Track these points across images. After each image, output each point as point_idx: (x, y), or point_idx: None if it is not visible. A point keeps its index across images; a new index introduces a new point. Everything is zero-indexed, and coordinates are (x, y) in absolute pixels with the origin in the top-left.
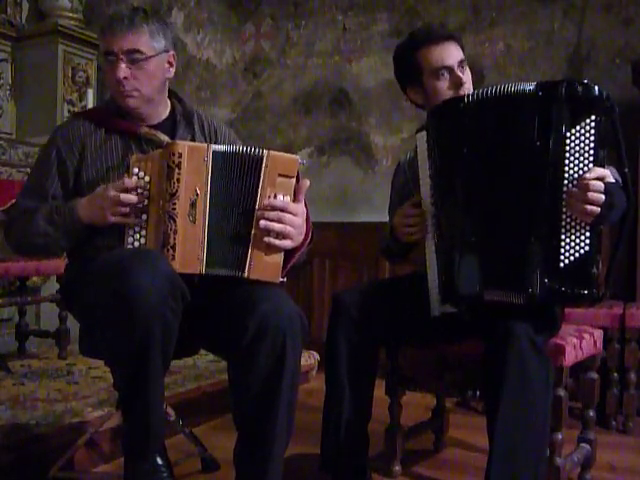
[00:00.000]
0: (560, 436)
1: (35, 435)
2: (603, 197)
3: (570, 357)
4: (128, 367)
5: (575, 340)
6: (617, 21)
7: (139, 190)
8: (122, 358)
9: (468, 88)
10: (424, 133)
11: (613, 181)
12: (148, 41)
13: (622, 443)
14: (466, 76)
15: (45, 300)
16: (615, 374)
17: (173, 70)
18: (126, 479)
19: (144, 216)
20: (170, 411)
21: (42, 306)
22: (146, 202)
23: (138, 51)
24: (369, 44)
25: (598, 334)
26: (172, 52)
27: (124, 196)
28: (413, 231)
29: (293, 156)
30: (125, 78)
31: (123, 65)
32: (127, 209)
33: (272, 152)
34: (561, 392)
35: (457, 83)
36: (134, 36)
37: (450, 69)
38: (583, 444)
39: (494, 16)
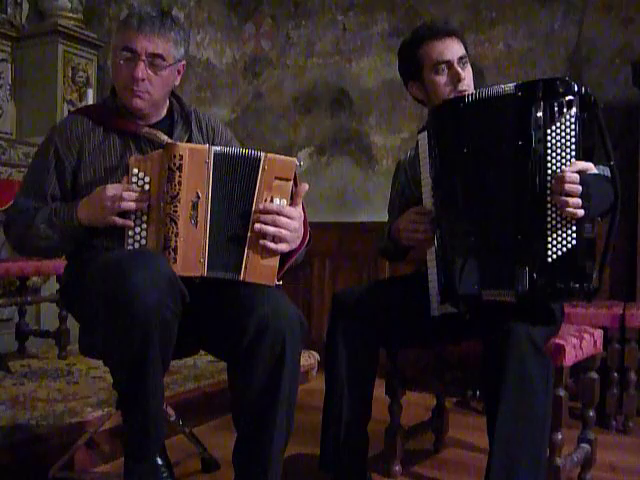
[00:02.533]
0: (560, 436)
1: (35, 435)
2: (580, 187)
3: (570, 357)
4: (127, 368)
5: (575, 340)
6: (617, 21)
7: (138, 188)
8: (121, 359)
9: (467, 85)
10: (425, 133)
11: (595, 172)
12: (171, 48)
13: (622, 443)
14: (466, 72)
15: (45, 300)
16: (615, 374)
17: (179, 78)
18: (126, 479)
19: (144, 217)
20: (170, 411)
21: (42, 306)
22: (145, 202)
23: (161, 57)
24: (369, 44)
25: (598, 334)
26: (184, 62)
27: (124, 193)
28: (418, 237)
29: (290, 158)
30: (142, 79)
31: (142, 65)
32: (127, 205)
33: (270, 155)
34: (561, 392)
35: (455, 79)
36: (161, 41)
37: (449, 64)
38: (583, 444)
39: (494, 16)
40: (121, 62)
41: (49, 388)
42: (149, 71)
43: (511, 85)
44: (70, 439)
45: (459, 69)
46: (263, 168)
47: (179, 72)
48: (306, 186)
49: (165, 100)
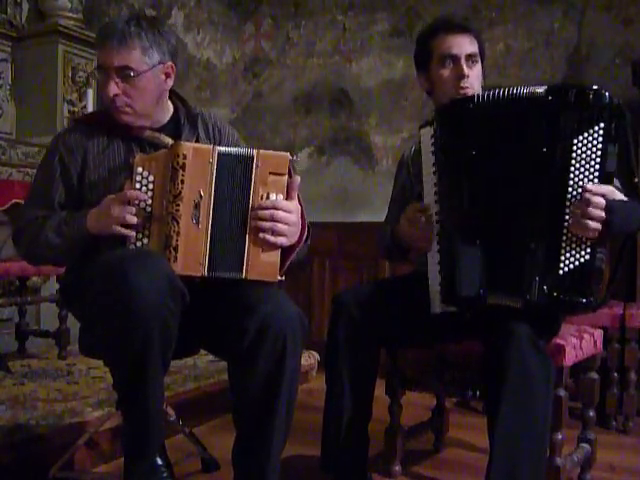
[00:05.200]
0: (560, 436)
1: (35, 435)
2: (603, 214)
3: (570, 357)
4: (127, 368)
5: (575, 340)
6: (617, 21)
7: (142, 204)
8: (121, 359)
9: (471, 83)
10: (429, 129)
11: (621, 198)
12: (139, 57)
13: (622, 443)
14: (472, 71)
15: (45, 300)
16: (615, 374)
17: (171, 81)
18: (126, 479)
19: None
20: (170, 411)
21: (42, 306)
22: (149, 208)
23: (128, 68)
24: (369, 44)
25: (598, 334)
26: (169, 63)
27: (129, 215)
28: (419, 237)
29: (283, 153)
30: (116, 95)
31: (113, 82)
32: (131, 219)
33: (262, 151)
34: (561, 392)
35: (459, 74)
36: (124, 53)
37: (456, 59)
38: (583, 444)
39: (494, 16)
40: (99, 81)
41: (49, 388)
42: (122, 85)
43: (542, 88)
44: (70, 439)
45: (464, 66)
46: (257, 165)
47: (168, 75)
48: (298, 178)
49: (159, 105)
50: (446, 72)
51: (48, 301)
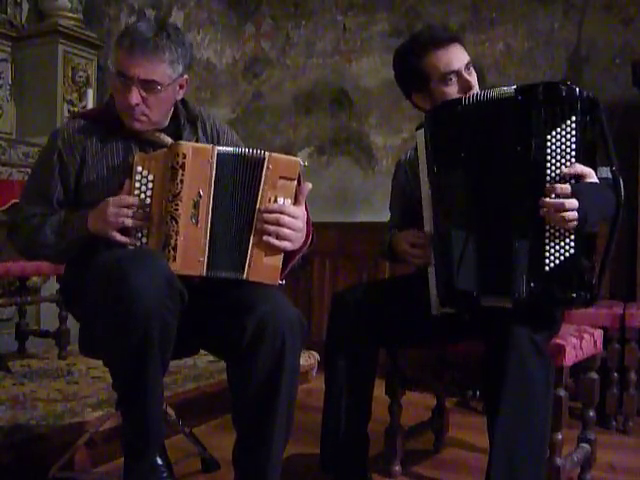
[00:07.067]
0: (560, 436)
1: (35, 435)
2: (575, 201)
3: (570, 357)
4: (127, 368)
5: (575, 340)
6: (617, 21)
7: (140, 203)
8: (121, 359)
9: (476, 90)
10: (423, 130)
11: (594, 181)
12: (166, 70)
13: (622, 443)
14: (473, 78)
15: (45, 300)
16: (615, 374)
17: (183, 92)
18: (126, 479)
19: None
20: (170, 411)
21: (42, 306)
22: (148, 208)
23: (154, 82)
24: (369, 44)
25: (598, 334)
26: (186, 76)
27: (126, 220)
28: (418, 262)
29: (294, 158)
30: (137, 104)
31: (136, 91)
32: (128, 222)
33: (274, 154)
34: (561, 392)
35: (466, 87)
36: (152, 65)
37: (458, 73)
38: (583, 444)
39: (494, 16)
40: (117, 86)
41: (49, 388)
42: (144, 95)
43: (511, 88)
44: (70, 439)
45: (468, 77)
46: (267, 167)
47: (182, 86)
48: (310, 185)
49: (168, 113)
50: (452, 89)
51: (48, 301)
